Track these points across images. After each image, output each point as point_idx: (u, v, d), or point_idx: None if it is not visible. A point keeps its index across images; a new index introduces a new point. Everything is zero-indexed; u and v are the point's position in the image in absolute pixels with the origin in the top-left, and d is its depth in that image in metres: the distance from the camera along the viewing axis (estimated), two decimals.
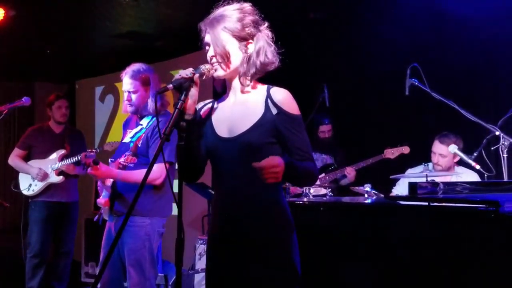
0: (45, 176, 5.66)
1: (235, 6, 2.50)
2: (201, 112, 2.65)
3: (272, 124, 2.43)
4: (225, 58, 2.45)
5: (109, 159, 4.06)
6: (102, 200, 4.05)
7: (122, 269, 3.98)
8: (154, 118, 4.02)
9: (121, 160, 4.01)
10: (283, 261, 2.44)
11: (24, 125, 9.48)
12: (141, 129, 4.05)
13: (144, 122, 4.07)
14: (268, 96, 2.47)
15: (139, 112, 4.09)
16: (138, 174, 3.85)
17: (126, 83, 4.04)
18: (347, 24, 6.12)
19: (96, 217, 4.33)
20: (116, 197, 3.99)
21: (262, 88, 2.53)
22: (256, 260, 2.42)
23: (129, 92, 4.02)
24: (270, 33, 2.54)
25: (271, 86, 2.53)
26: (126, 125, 4.25)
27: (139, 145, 3.96)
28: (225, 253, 2.50)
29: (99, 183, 4.15)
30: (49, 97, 6.00)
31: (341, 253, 3.46)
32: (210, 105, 2.66)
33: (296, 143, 2.45)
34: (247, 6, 2.51)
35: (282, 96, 2.47)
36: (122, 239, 3.92)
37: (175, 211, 2.27)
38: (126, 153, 4.00)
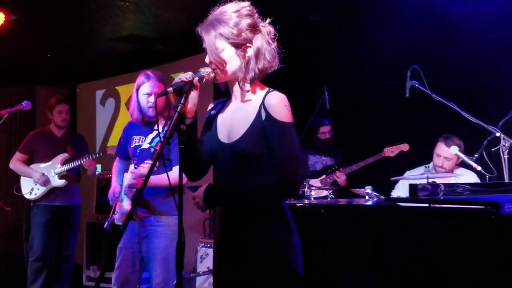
0: (46, 181, 5.66)
1: (233, 8, 2.42)
2: (212, 112, 2.64)
3: (262, 130, 2.38)
4: (220, 66, 2.40)
5: (133, 166, 4.09)
6: (127, 206, 4.05)
7: (141, 270, 4.09)
8: (168, 123, 4.02)
9: (144, 165, 4.01)
10: (283, 262, 2.43)
11: (25, 129, 9.49)
12: (157, 134, 4.06)
13: (160, 127, 4.07)
14: (263, 101, 2.42)
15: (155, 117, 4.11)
16: (166, 177, 3.87)
17: (154, 85, 4.03)
18: (347, 26, 6.13)
19: (106, 223, 4.33)
20: (139, 201, 4.02)
21: (261, 92, 2.48)
22: (256, 261, 2.42)
23: (156, 94, 3.97)
24: (271, 30, 2.48)
25: (271, 90, 2.47)
26: (131, 131, 4.22)
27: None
28: (227, 256, 2.51)
29: (113, 192, 4.17)
30: (50, 101, 6.00)
31: (342, 255, 3.46)
32: (221, 105, 2.64)
33: (274, 151, 2.37)
34: (245, 8, 2.43)
35: (273, 101, 2.40)
36: (148, 239, 4.00)
37: None
38: (147, 160, 4.01)
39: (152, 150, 4.01)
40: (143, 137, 4.11)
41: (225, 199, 2.45)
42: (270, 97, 2.42)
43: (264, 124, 2.38)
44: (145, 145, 4.08)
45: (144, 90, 4.04)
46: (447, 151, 4.55)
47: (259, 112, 2.41)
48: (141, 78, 4.08)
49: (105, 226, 4.36)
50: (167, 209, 4.02)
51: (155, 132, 4.08)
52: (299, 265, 2.46)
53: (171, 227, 4.02)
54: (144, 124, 4.14)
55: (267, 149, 2.39)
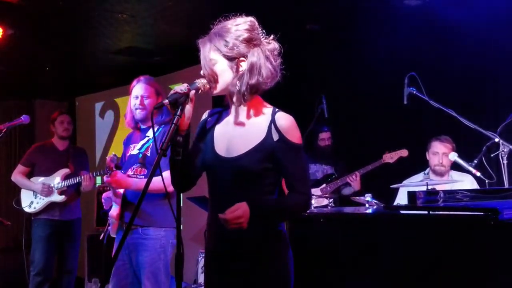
0: (49, 191, 5.65)
1: (234, 22, 2.43)
2: (207, 122, 2.62)
3: (271, 150, 2.39)
4: (212, 78, 2.41)
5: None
6: (114, 213, 3.97)
7: (137, 282, 3.94)
8: (161, 128, 3.99)
9: (130, 172, 3.98)
10: (281, 275, 2.43)
11: (24, 143, 9.50)
12: (148, 140, 4.03)
13: (151, 133, 4.04)
14: (273, 121, 2.42)
15: (146, 121, 4.07)
16: (154, 182, 3.73)
17: (140, 88, 4.06)
18: (344, 35, 6.14)
19: (102, 235, 4.29)
20: (127, 209, 3.93)
21: (267, 111, 2.48)
22: (251, 276, 2.41)
23: (142, 96, 4.03)
24: (276, 46, 2.46)
25: (277, 110, 2.47)
26: (128, 141, 4.21)
27: (148, 155, 3.95)
28: (221, 270, 2.49)
29: (105, 195, 4.11)
30: (52, 114, 6.02)
31: (342, 263, 3.45)
32: (216, 116, 2.63)
33: (290, 173, 2.41)
34: (246, 22, 2.43)
35: (286, 123, 2.41)
36: (136, 252, 3.88)
37: None
38: (134, 166, 3.98)
39: (140, 155, 3.97)
40: (137, 143, 4.09)
41: (268, 218, 2.40)
42: (281, 118, 2.43)
43: (275, 145, 2.40)
44: (134, 151, 4.05)
45: (133, 93, 4.08)
46: (443, 148, 4.60)
47: (269, 133, 2.41)
48: (133, 82, 4.13)
49: (101, 238, 4.32)
50: (156, 219, 3.88)
51: (146, 139, 4.04)
52: (291, 276, 2.47)
53: (159, 240, 3.89)
54: (138, 130, 4.14)
55: (268, 169, 2.41)
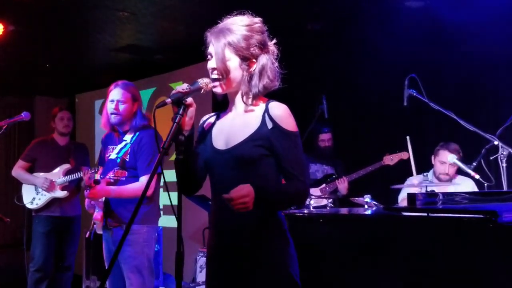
0: (52, 185, 5.64)
1: (245, 21, 2.47)
2: (205, 125, 2.66)
3: (266, 138, 2.41)
4: (225, 74, 2.43)
5: (99, 176, 4.15)
6: (98, 215, 4.12)
7: (122, 277, 4.05)
8: (138, 133, 4.10)
9: (110, 175, 4.09)
10: (282, 272, 2.42)
11: (24, 139, 9.49)
12: (125, 144, 4.12)
13: (128, 137, 4.14)
14: (266, 110, 2.46)
15: (122, 126, 4.15)
16: (130, 188, 3.99)
17: (116, 93, 4.12)
18: (345, 35, 6.14)
19: (88, 233, 4.38)
20: (109, 212, 4.09)
21: (262, 103, 2.51)
22: (251, 273, 2.41)
23: (118, 101, 4.09)
24: (275, 50, 2.54)
25: (271, 100, 2.51)
26: (107, 141, 4.30)
27: (127, 160, 4.06)
28: (222, 266, 2.50)
29: (87, 202, 4.20)
30: (52, 110, 6.02)
31: (341, 265, 3.45)
32: (214, 117, 2.67)
33: (286, 159, 2.42)
34: (257, 24, 2.48)
35: (279, 111, 2.45)
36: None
37: (175, 223, 2.26)
38: (115, 168, 4.08)
39: (119, 160, 4.07)
40: (115, 146, 4.17)
41: (271, 203, 2.39)
42: (274, 107, 2.46)
43: (269, 133, 2.42)
44: (113, 155, 4.13)
45: (110, 97, 4.13)
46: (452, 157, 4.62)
47: (263, 121, 2.44)
48: (111, 86, 4.19)
49: (86, 236, 4.41)
50: (139, 218, 3.96)
51: (123, 143, 4.13)
52: (296, 275, 2.47)
53: (141, 235, 4.02)
54: (115, 132, 4.22)
55: (265, 156, 2.42)
